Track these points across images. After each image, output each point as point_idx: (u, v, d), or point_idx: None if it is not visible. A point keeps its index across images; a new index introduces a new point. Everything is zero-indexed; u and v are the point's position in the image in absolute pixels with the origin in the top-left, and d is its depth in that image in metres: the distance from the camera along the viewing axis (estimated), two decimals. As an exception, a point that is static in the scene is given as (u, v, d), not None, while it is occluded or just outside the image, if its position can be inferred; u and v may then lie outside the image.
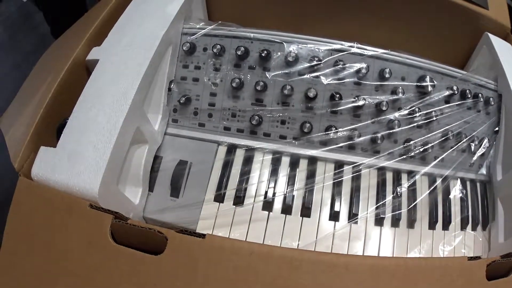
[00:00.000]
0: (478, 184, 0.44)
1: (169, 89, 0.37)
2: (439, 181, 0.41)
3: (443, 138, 0.40)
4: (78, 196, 0.30)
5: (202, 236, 0.27)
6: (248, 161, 0.37)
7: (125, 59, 0.34)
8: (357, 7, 0.47)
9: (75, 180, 0.30)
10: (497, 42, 0.48)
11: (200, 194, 0.36)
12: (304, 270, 0.27)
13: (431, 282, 0.28)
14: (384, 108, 0.38)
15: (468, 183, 0.43)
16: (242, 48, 0.37)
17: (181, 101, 0.37)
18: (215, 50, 0.37)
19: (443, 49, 0.52)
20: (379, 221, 0.38)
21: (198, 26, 0.38)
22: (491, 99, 0.43)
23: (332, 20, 0.46)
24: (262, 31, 0.38)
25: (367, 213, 0.37)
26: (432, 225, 0.40)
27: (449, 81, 0.41)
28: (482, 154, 0.44)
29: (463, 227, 0.41)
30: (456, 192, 0.42)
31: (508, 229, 0.42)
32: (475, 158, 0.42)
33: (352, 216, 0.37)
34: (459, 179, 0.42)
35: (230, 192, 0.36)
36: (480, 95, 0.42)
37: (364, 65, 0.38)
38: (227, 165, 0.37)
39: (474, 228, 0.42)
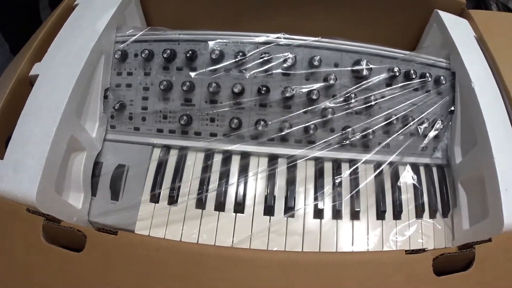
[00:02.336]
0: (434, 169, 0.44)
1: (106, 97, 0.43)
2: (385, 168, 0.43)
3: (386, 123, 0.41)
4: (21, 202, 0.36)
5: (115, 233, 0.32)
6: (180, 160, 0.41)
7: (59, 72, 0.40)
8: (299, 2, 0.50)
9: (17, 187, 0.36)
10: (448, 18, 0.48)
11: (137, 196, 0.41)
12: (210, 264, 0.31)
13: (358, 278, 0.30)
14: (314, 97, 0.40)
15: (422, 168, 0.43)
16: (168, 51, 0.41)
17: (116, 108, 0.42)
18: (143, 55, 0.42)
19: (395, 33, 0.52)
20: (318, 214, 0.40)
21: (128, 33, 0.43)
22: (441, 78, 0.43)
23: (270, 15, 0.48)
24: (188, 32, 0.42)
25: (304, 206, 0.40)
26: (380, 215, 0.41)
27: (390, 63, 0.42)
28: (436, 137, 0.44)
29: (418, 215, 0.42)
30: (406, 178, 0.43)
31: (472, 214, 0.42)
32: (426, 141, 0.43)
33: (288, 210, 0.40)
34: (409, 164, 0.42)
35: (165, 192, 0.40)
36: (427, 74, 0.42)
37: (290, 55, 0.40)
38: (161, 166, 0.41)
39: (432, 216, 0.42)
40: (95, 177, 0.41)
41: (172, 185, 0.39)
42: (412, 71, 0.42)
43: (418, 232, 0.41)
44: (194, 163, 0.41)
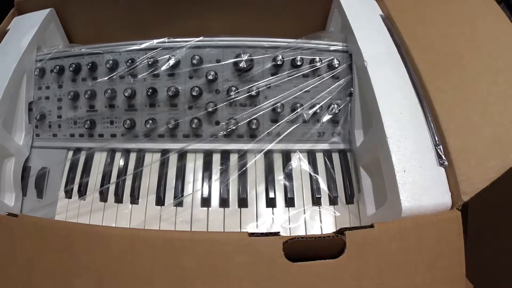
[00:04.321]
0: (336, 154, 0.47)
1: (31, 109, 0.53)
2: (276, 156, 0.47)
3: (274, 111, 0.46)
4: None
5: (16, 215, 0.40)
6: (88, 160, 0.50)
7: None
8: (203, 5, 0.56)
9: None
10: (347, 1, 0.50)
11: (55, 193, 0.50)
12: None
13: (196, 256, 0.31)
14: (195, 93, 0.46)
15: (320, 155, 0.47)
16: (74, 65, 0.49)
17: (37, 118, 0.51)
18: (55, 71, 0.50)
19: (303, 23, 0.55)
20: (205, 202, 0.45)
21: (46, 52, 0.53)
22: (335, 61, 0.46)
23: (179, 20, 0.55)
24: (90, 46, 0.50)
25: (192, 194, 0.46)
26: (270, 203, 0.45)
27: (274, 52, 0.46)
28: (334, 121, 0.47)
29: (315, 202, 0.45)
30: (300, 165, 0.47)
31: (377, 199, 0.44)
32: (322, 126, 0.46)
33: (176, 199, 0.46)
34: (304, 151, 0.46)
35: (76, 188, 0.49)
36: (317, 59, 0.46)
37: (172, 57, 0.46)
38: (72, 166, 0.50)
39: (333, 203, 0.46)
40: (25, 179, 0.51)
41: (80, 181, 0.48)
42: (298, 58, 0.45)
43: (315, 219, 0.45)
44: (99, 162, 0.49)
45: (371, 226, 0.31)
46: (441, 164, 0.37)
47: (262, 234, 0.31)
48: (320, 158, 0.47)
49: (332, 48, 0.47)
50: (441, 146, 0.38)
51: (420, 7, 0.50)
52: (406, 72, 0.43)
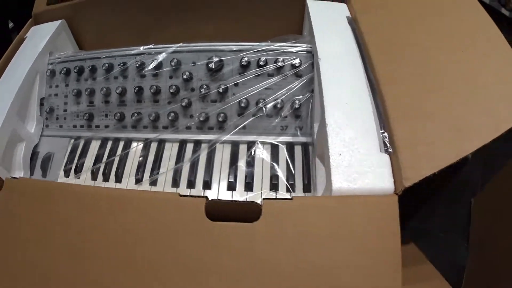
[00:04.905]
0: (298, 147, 0.54)
1: (42, 104, 0.64)
2: (242, 147, 0.55)
3: (241, 107, 0.54)
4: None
5: (16, 178, 0.49)
6: (85, 146, 0.59)
7: (7, 87, 0.62)
8: (194, 12, 0.65)
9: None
10: (315, 5, 0.58)
11: (57, 172, 0.60)
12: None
13: (136, 210, 0.38)
14: (172, 91, 0.55)
15: (282, 147, 0.54)
16: (77, 67, 0.60)
17: (47, 111, 0.62)
18: (63, 72, 0.61)
19: (282, 28, 0.63)
20: (174, 183, 0.52)
21: (57, 56, 0.64)
22: (297, 60, 0.53)
23: (173, 26, 0.65)
24: (92, 52, 0.61)
25: (165, 173, 0.54)
26: (230, 186, 0.51)
27: (241, 54, 0.55)
28: (296, 116, 0.55)
29: (272, 188, 0.51)
30: (262, 155, 0.54)
31: (328, 187, 0.51)
32: (284, 120, 0.53)
33: (152, 183, 0.54)
34: (266, 143, 0.53)
35: (73, 168, 0.59)
36: (280, 60, 0.53)
37: (155, 60, 0.56)
38: (73, 151, 0.60)
39: (290, 190, 0.51)
40: (33, 161, 0.61)
41: (77, 163, 0.58)
42: (262, 59, 0.53)
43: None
44: (94, 148, 0.59)
45: (290, 198, 0.37)
46: (386, 151, 0.41)
47: (191, 196, 0.37)
48: (282, 150, 0.54)
49: (296, 49, 0.54)
50: (386, 134, 0.42)
51: (387, 7, 0.56)
52: (362, 68, 0.49)
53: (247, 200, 0.51)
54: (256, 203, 0.36)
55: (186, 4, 0.64)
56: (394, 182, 0.38)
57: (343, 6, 0.58)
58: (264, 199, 0.36)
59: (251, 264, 0.33)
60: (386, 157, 0.40)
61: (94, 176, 0.56)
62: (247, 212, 0.35)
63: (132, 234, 0.37)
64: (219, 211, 0.36)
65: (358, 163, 0.40)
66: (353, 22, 0.56)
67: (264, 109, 0.53)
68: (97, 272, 0.36)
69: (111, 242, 0.37)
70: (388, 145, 0.41)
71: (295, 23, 0.62)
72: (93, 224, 0.38)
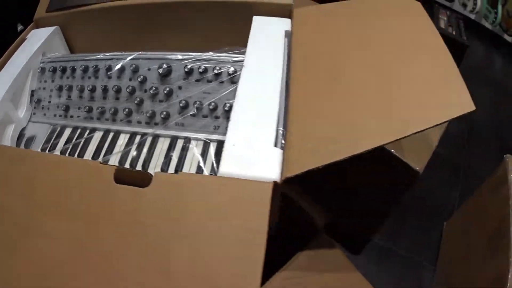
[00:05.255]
0: None
1: (32, 95, 0.78)
2: (179, 141, 0.65)
3: (182, 107, 0.65)
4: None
5: None
6: (60, 132, 0.73)
7: (4, 78, 0.76)
8: (165, 28, 0.77)
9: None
10: (258, 19, 0.68)
11: (36, 150, 0.73)
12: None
13: (55, 177, 0.48)
14: (129, 91, 0.66)
15: (214, 143, 0.64)
16: (61, 67, 0.73)
17: (35, 101, 0.76)
18: (50, 70, 0.75)
19: (236, 43, 0.74)
20: (120, 164, 0.65)
21: (49, 57, 0.78)
22: (231, 69, 0.62)
23: (146, 39, 0.77)
24: (75, 55, 0.75)
25: (116, 155, 0.66)
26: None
27: (186, 62, 0.65)
28: (227, 118, 0.64)
29: None
30: (195, 149, 0.64)
31: None
32: (216, 121, 0.63)
33: (103, 163, 0.66)
34: (195, 138, 0.63)
35: (48, 147, 0.72)
36: (217, 68, 0.63)
37: (119, 64, 0.68)
38: (50, 134, 0.73)
39: None
40: (19, 141, 0.75)
41: (51, 144, 0.71)
42: (202, 67, 0.64)
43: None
44: (67, 133, 0.72)
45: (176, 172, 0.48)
46: (280, 146, 0.49)
47: (107, 164, 0.48)
48: (213, 146, 0.64)
49: (233, 59, 0.65)
50: (281, 131, 0.51)
51: (323, 19, 0.65)
52: (281, 75, 0.58)
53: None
54: (149, 173, 0.46)
55: (157, 24, 0.76)
56: (281, 174, 0.46)
57: (287, 20, 0.67)
58: (156, 172, 0.46)
59: (135, 219, 0.44)
60: (278, 151, 0.48)
61: (62, 155, 0.69)
62: (143, 180, 0.45)
63: (52, 187, 0.48)
64: (125, 177, 0.46)
65: (250, 154, 0.48)
66: (289, 34, 0.65)
67: (200, 109, 0.64)
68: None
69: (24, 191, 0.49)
70: (282, 141, 0.50)
71: (246, 37, 0.72)
72: (18, 178, 0.50)
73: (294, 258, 0.66)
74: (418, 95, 0.52)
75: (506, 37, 2.35)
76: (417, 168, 0.80)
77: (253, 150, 0.49)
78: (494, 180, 0.98)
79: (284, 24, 0.67)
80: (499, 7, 2.19)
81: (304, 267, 0.66)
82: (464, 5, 2.42)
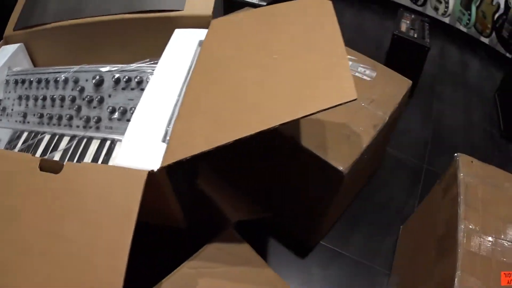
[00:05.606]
0: None
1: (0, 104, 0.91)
2: (108, 142, 0.75)
3: (110, 112, 0.75)
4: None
5: None
6: (18, 135, 0.85)
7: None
8: (105, 43, 0.88)
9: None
10: (178, 32, 0.77)
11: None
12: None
13: None
14: (70, 99, 0.78)
15: None
16: (21, 79, 0.86)
17: (1, 109, 0.89)
18: (13, 82, 0.88)
19: None
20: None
21: (13, 71, 0.90)
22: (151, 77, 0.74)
23: (95, 53, 0.89)
24: (33, 69, 0.87)
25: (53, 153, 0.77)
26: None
27: (114, 73, 0.76)
28: None
29: None
30: (116, 150, 0.74)
31: None
32: None
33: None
34: (118, 141, 0.74)
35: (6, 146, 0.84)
36: (137, 77, 0.73)
37: (64, 77, 0.79)
38: (11, 138, 0.86)
39: None
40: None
41: (11, 145, 0.83)
42: (126, 77, 0.74)
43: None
44: (24, 136, 0.84)
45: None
46: (167, 142, 0.60)
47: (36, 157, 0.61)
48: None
49: (152, 69, 0.74)
50: (168, 128, 0.61)
51: (231, 28, 0.74)
52: (183, 79, 0.68)
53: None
54: (61, 162, 0.58)
55: (98, 40, 0.88)
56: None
57: (204, 31, 0.77)
58: (67, 162, 0.59)
59: (45, 195, 0.55)
60: (163, 146, 0.59)
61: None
62: (58, 168, 0.58)
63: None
64: (49, 166, 0.58)
65: (140, 149, 0.60)
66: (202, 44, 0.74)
67: (123, 114, 0.74)
68: None
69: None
70: (167, 137, 0.60)
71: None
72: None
73: (202, 250, 0.72)
74: (301, 88, 0.59)
75: (482, 39, 2.32)
76: (341, 168, 0.85)
77: (143, 145, 0.60)
78: (445, 180, 0.96)
79: (200, 34, 0.76)
80: (473, 8, 2.17)
81: (211, 258, 0.71)
82: (436, 9, 2.40)
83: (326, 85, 0.57)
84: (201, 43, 0.74)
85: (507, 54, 2.15)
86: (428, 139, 1.64)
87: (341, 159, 0.87)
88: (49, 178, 0.58)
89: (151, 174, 0.54)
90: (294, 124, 0.87)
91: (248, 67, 0.63)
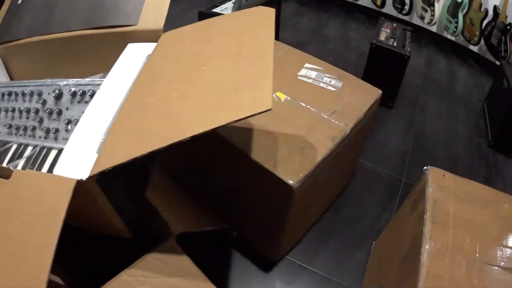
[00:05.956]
0: None
1: (-20, 115, 0.99)
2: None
3: (65, 124, 0.81)
4: None
5: None
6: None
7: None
8: (68, 57, 0.94)
9: None
10: (130, 46, 0.82)
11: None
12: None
13: None
14: (34, 111, 0.84)
15: None
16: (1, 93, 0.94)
17: (-20, 120, 0.97)
18: (-11, 95, 0.96)
19: None
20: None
21: (-10, 84, 0.98)
22: None
23: (60, 67, 0.95)
24: (6, 82, 0.94)
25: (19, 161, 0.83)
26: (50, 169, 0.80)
27: (70, 87, 0.82)
28: None
29: None
30: None
31: None
32: None
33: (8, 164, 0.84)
34: None
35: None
36: (90, 91, 0.79)
37: (29, 90, 0.86)
38: None
39: None
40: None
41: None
42: (81, 91, 0.80)
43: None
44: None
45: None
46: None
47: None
48: (94, 154, 0.80)
49: (104, 83, 0.80)
50: (103, 140, 0.67)
51: (175, 41, 0.78)
52: (125, 95, 0.73)
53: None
54: (11, 169, 0.63)
55: (62, 54, 0.94)
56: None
57: (154, 45, 0.82)
58: (16, 169, 0.64)
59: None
60: (96, 156, 0.64)
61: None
62: (8, 174, 0.63)
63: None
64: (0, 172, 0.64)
65: (76, 158, 0.66)
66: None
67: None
68: None
69: None
70: (100, 147, 0.65)
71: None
72: None
73: (141, 259, 0.74)
74: (220, 99, 0.62)
75: (471, 47, 2.26)
76: (291, 182, 0.84)
77: (79, 155, 0.65)
78: (414, 195, 0.91)
79: (150, 48, 0.80)
80: (460, 16, 2.12)
81: (150, 268, 0.72)
82: (422, 17, 2.36)
83: (243, 96, 0.60)
84: (148, 56, 0.79)
85: (497, 62, 2.09)
86: (407, 151, 1.61)
87: (292, 173, 0.86)
88: (0, 183, 0.64)
89: (80, 182, 0.59)
90: (246, 136, 0.90)
91: (178, 79, 0.67)
